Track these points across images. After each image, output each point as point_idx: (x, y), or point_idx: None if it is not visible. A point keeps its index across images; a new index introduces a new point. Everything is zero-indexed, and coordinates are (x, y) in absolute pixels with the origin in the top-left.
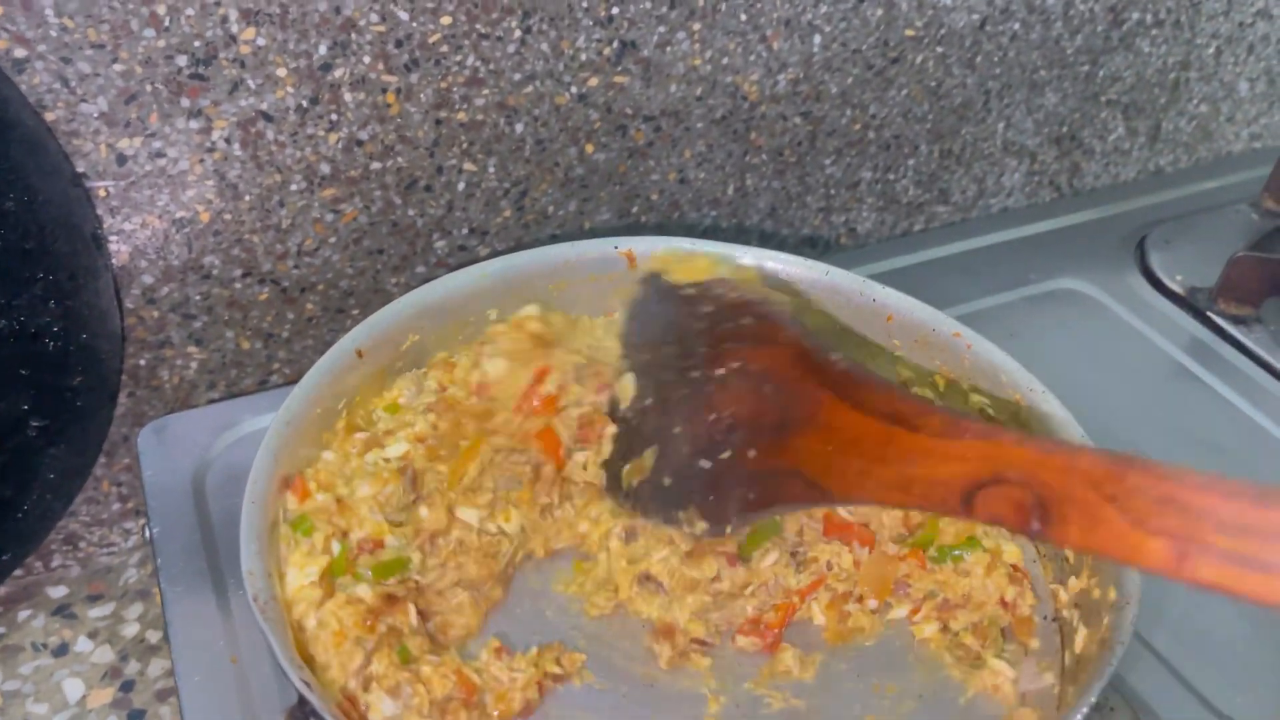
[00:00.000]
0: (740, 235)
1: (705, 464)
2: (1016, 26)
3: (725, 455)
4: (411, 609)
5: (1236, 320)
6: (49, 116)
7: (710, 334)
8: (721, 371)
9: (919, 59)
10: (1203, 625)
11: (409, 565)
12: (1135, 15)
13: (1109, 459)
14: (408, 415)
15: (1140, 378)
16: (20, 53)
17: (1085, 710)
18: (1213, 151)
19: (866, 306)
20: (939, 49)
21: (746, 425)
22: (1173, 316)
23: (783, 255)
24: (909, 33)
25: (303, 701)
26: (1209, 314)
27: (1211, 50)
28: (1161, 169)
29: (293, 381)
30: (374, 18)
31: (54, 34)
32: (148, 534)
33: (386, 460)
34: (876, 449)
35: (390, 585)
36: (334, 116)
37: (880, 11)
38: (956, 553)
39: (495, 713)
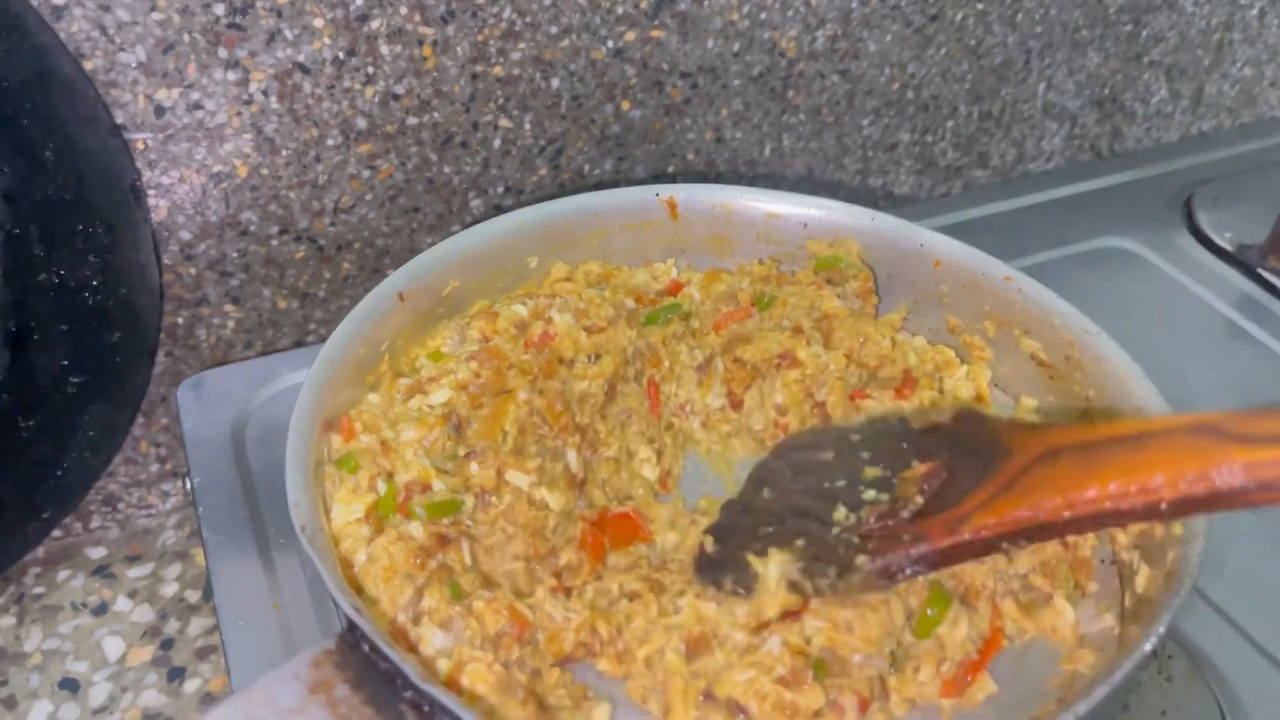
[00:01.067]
0: None
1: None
2: None
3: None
4: (465, 546)
5: None
6: (87, 65)
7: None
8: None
9: (959, 16)
10: (1261, 576)
11: (462, 508)
12: None
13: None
14: (450, 363)
15: (1190, 335)
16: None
17: (1153, 642)
18: (1255, 116)
19: (914, 252)
20: (979, 5)
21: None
22: (1222, 274)
23: (826, 201)
24: None
25: (352, 627)
26: (1259, 270)
27: (1255, 11)
28: (1204, 134)
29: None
30: None
31: None
32: (188, 486)
33: (430, 407)
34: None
35: (443, 526)
36: (370, 69)
37: None
38: None
39: (549, 654)
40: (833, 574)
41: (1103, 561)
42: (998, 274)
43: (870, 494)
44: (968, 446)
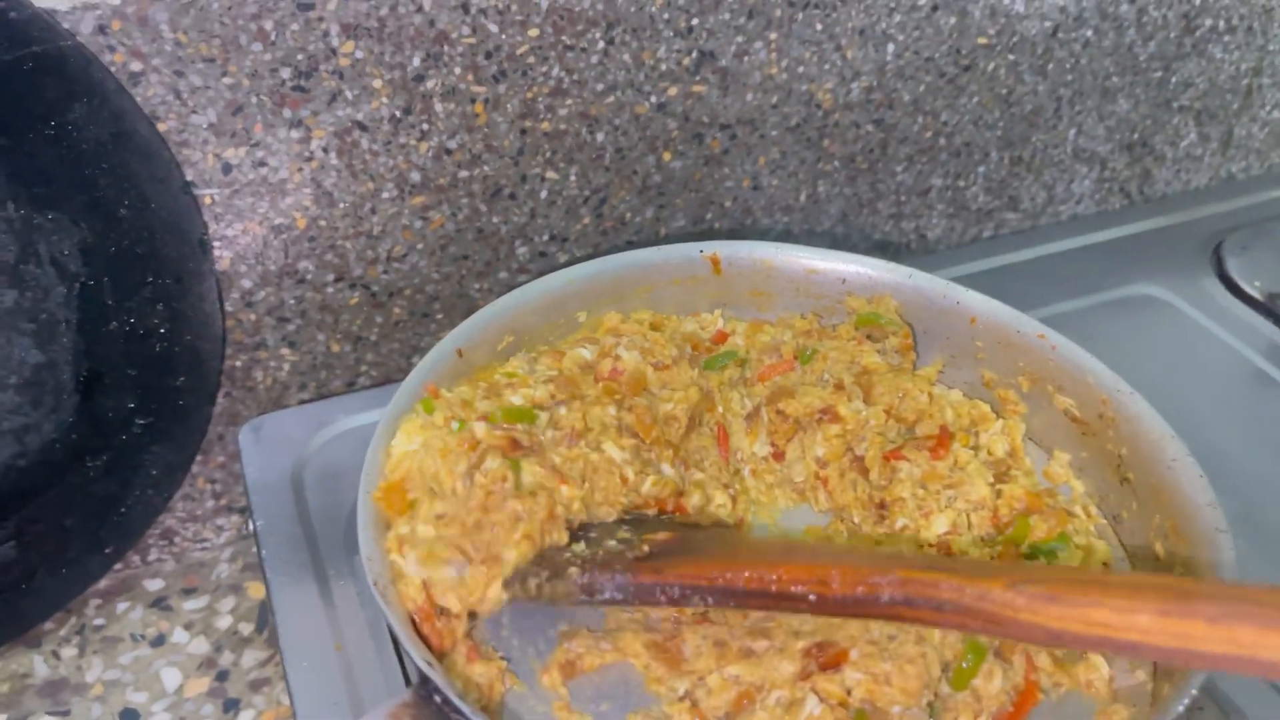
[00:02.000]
0: (811, 241)
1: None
2: (1089, 34)
3: None
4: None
5: None
6: (162, 127)
7: None
8: None
9: (991, 66)
10: None
11: (537, 418)
12: (1208, 21)
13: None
14: (529, 381)
15: (1220, 383)
16: (136, 66)
17: (1185, 704)
18: None
19: (950, 309)
20: (1011, 56)
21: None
22: (1251, 322)
23: (865, 259)
24: (981, 41)
25: (425, 680)
26: None
27: None
28: (1234, 175)
29: (380, 384)
30: (465, 30)
31: (168, 48)
32: (250, 527)
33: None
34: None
35: (517, 431)
36: (425, 126)
37: (953, 20)
38: (1049, 548)
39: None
40: (544, 576)
41: None
42: (1031, 331)
43: (611, 544)
44: (709, 536)
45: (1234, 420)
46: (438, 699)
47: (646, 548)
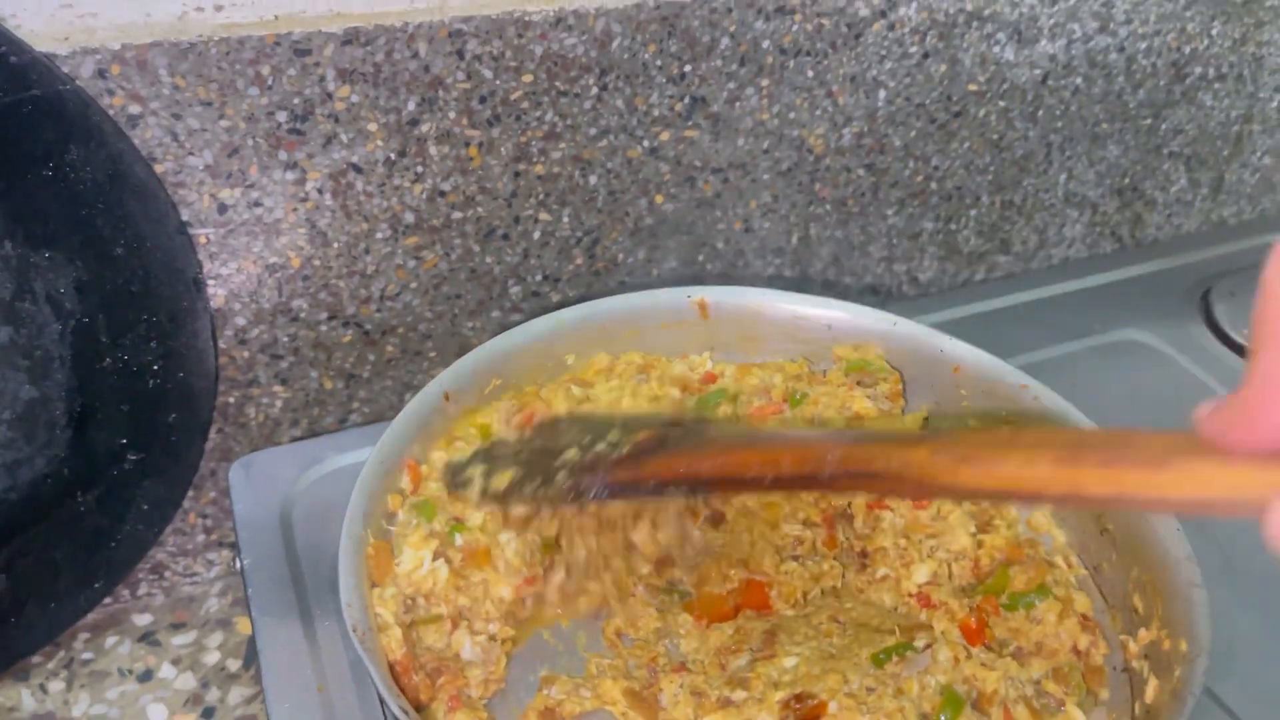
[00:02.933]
0: (803, 283)
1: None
2: (1079, 81)
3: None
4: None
5: None
6: (158, 168)
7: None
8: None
9: (981, 113)
10: (1272, 679)
11: None
12: (1197, 69)
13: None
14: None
15: None
16: (134, 109)
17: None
18: (1276, 204)
19: (935, 357)
20: (1001, 103)
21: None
22: (1238, 369)
23: (851, 305)
24: (972, 87)
25: None
26: None
27: (1275, 104)
28: (1224, 220)
29: (371, 421)
30: (460, 76)
31: (166, 92)
32: (238, 565)
33: None
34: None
35: None
36: (419, 168)
37: (944, 67)
38: (1028, 599)
39: None
40: (537, 483)
41: (1114, 669)
42: (1014, 381)
43: (601, 446)
44: (688, 430)
45: None
46: None
47: (627, 449)
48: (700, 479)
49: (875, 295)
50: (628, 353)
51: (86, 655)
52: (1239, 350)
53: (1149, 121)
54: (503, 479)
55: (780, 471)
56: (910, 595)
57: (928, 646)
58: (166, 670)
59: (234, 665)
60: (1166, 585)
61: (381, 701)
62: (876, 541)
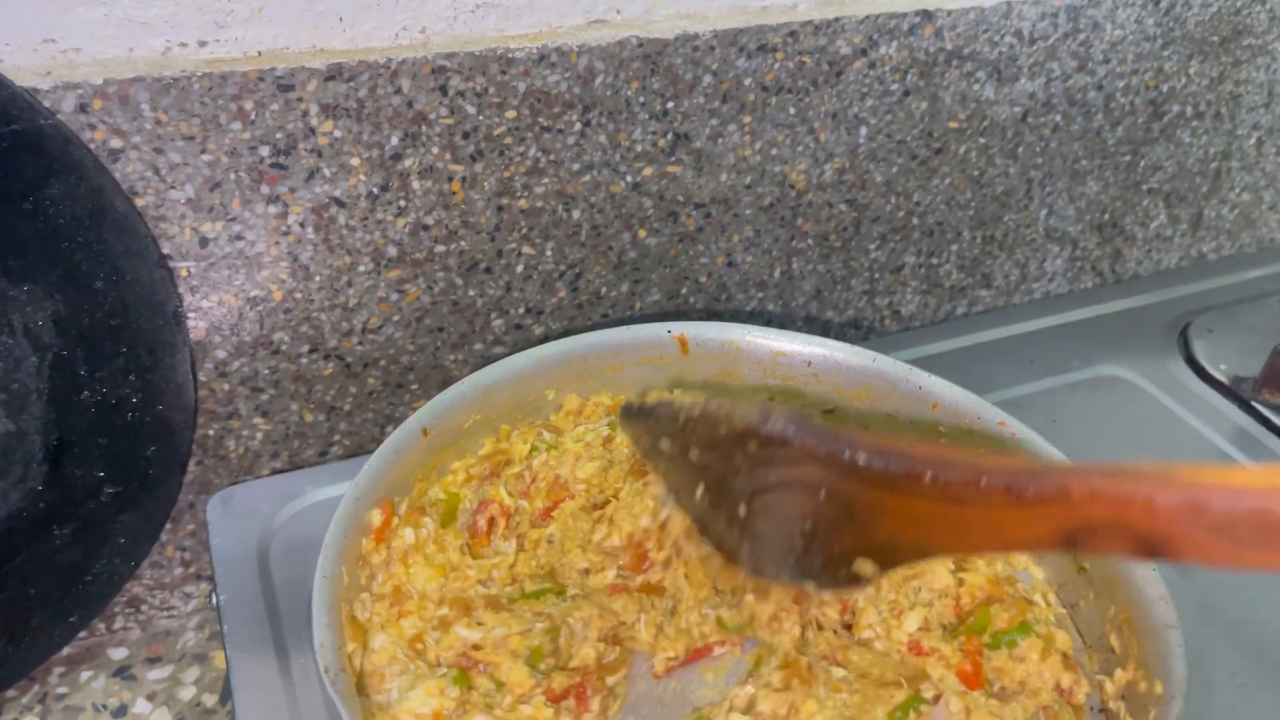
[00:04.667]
0: (786, 317)
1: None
2: (1058, 118)
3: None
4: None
5: None
6: (139, 202)
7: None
8: (767, 497)
9: (962, 149)
10: (1245, 715)
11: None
12: (1175, 108)
13: (1183, 493)
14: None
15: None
16: (116, 143)
17: None
18: (1256, 240)
19: (912, 393)
20: (981, 140)
21: (820, 526)
22: (1217, 405)
23: (830, 342)
24: (952, 125)
25: None
26: (1253, 403)
27: (1253, 141)
28: (1204, 255)
29: (352, 454)
30: (443, 111)
31: (148, 126)
32: (213, 600)
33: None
34: (953, 525)
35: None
36: (402, 203)
37: (924, 105)
38: (1010, 637)
39: None
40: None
41: (1092, 709)
42: (992, 418)
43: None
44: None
45: None
46: None
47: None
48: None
49: (857, 329)
50: (599, 393)
51: (61, 690)
52: (1217, 386)
53: (1128, 158)
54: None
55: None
56: (901, 645)
57: (937, 697)
58: (141, 705)
59: (210, 700)
60: (1142, 625)
61: None
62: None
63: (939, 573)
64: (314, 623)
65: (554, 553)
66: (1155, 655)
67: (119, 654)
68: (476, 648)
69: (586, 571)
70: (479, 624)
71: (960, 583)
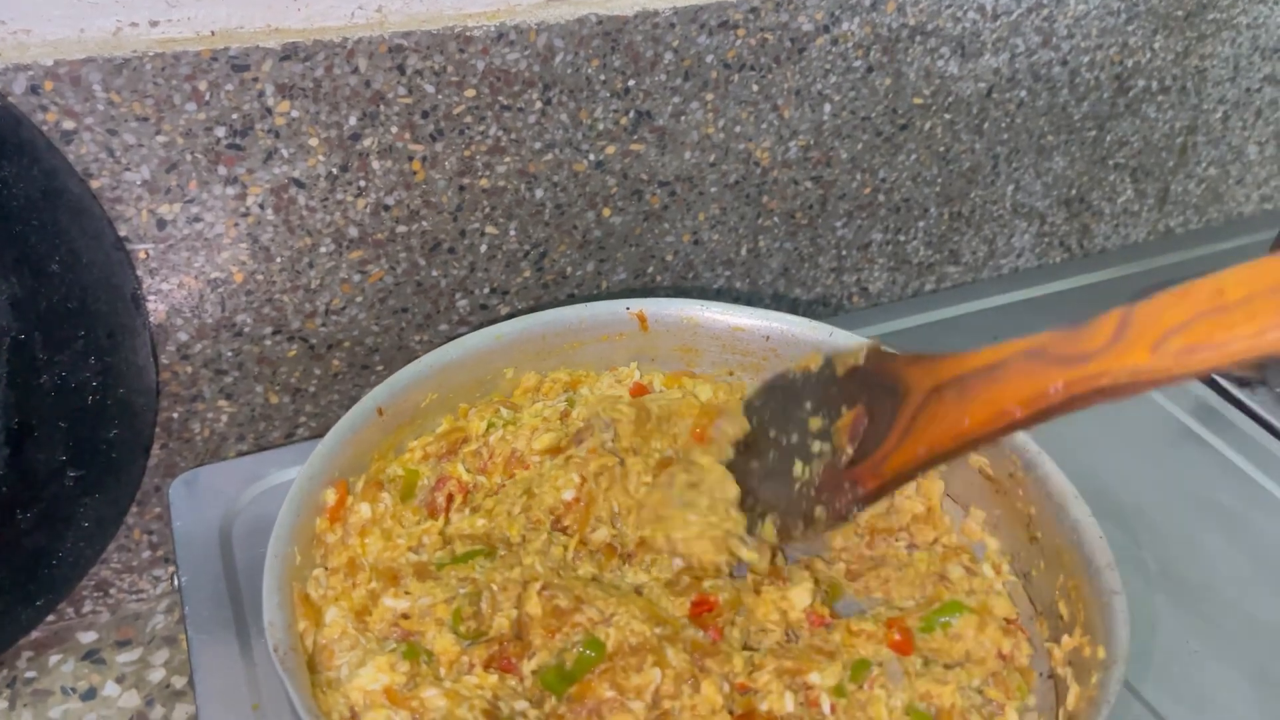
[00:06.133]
0: (753, 295)
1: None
2: (1023, 94)
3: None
4: None
5: (1241, 383)
6: (94, 184)
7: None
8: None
9: (927, 125)
10: (1195, 679)
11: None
12: (1140, 82)
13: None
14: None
15: (1144, 439)
16: (69, 125)
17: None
18: (1223, 213)
19: None
20: (947, 116)
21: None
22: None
23: (788, 316)
24: (917, 101)
25: None
26: (1214, 377)
27: (1219, 115)
28: (1171, 230)
29: (319, 435)
30: (401, 91)
31: (101, 107)
32: (177, 582)
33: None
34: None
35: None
36: (362, 183)
37: (888, 81)
38: (944, 619)
39: None
40: (801, 525)
41: (1040, 675)
42: None
43: (816, 445)
44: (878, 386)
45: (1158, 477)
46: None
47: (849, 446)
48: (948, 450)
49: (825, 306)
50: (557, 369)
51: (30, 674)
52: None
53: (1094, 133)
54: (770, 531)
55: (1021, 414)
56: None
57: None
58: (110, 688)
59: (179, 682)
60: (1089, 592)
61: None
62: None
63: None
64: (264, 602)
65: (490, 516)
66: (1100, 621)
67: (88, 638)
68: (405, 617)
69: (523, 540)
70: (406, 593)
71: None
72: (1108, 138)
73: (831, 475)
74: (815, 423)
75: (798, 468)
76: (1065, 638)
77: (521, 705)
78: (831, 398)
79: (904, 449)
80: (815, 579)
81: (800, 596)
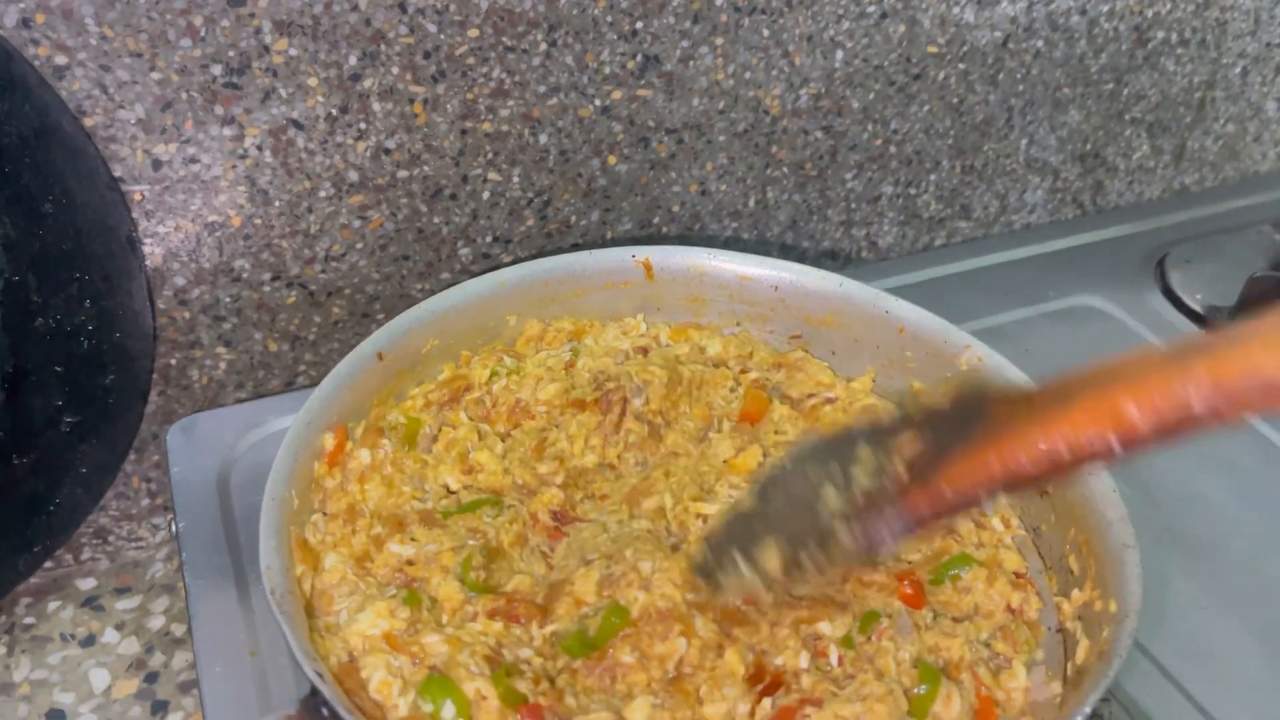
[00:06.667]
0: (761, 247)
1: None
2: (1040, 44)
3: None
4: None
5: None
6: (88, 122)
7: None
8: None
9: (941, 75)
10: (1204, 637)
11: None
12: (1160, 34)
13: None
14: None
15: None
16: (61, 60)
17: (1081, 718)
18: (1239, 171)
19: (879, 318)
20: (961, 66)
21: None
22: (1190, 334)
23: (796, 266)
24: (931, 50)
25: (315, 691)
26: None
27: (1238, 70)
28: (1187, 187)
29: (318, 383)
30: (403, 30)
31: (94, 42)
32: (174, 529)
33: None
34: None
35: None
36: (362, 125)
37: (902, 28)
38: (953, 572)
39: None
40: (813, 545)
41: (1050, 629)
42: (959, 342)
43: (858, 472)
44: (958, 415)
45: None
46: (326, 711)
47: (903, 470)
48: (1022, 476)
49: (834, 260)
50: (561, 318)
51: (29, 620)
52: (1193, 316)
53: (1111, 87)
54: (771, 556)
55: (1135, 432)
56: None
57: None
58: (109, 635)
59: (179, 630)
60: (1100, 547)
61: None
62: None
63: None
64: (261, 545)
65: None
66: (1112, 575)
67: (87, 584)
68: (410, 563)
69: (525, 490)
70: (412, 539)
71: None
72: (1125, 91)
73: (874, 501)
74: (864, 452)
75: (829, 492)
76: (1075, 592)
77: (526, 653)
78: (891, 427)
79: (971, 460)
80: None
81: None
